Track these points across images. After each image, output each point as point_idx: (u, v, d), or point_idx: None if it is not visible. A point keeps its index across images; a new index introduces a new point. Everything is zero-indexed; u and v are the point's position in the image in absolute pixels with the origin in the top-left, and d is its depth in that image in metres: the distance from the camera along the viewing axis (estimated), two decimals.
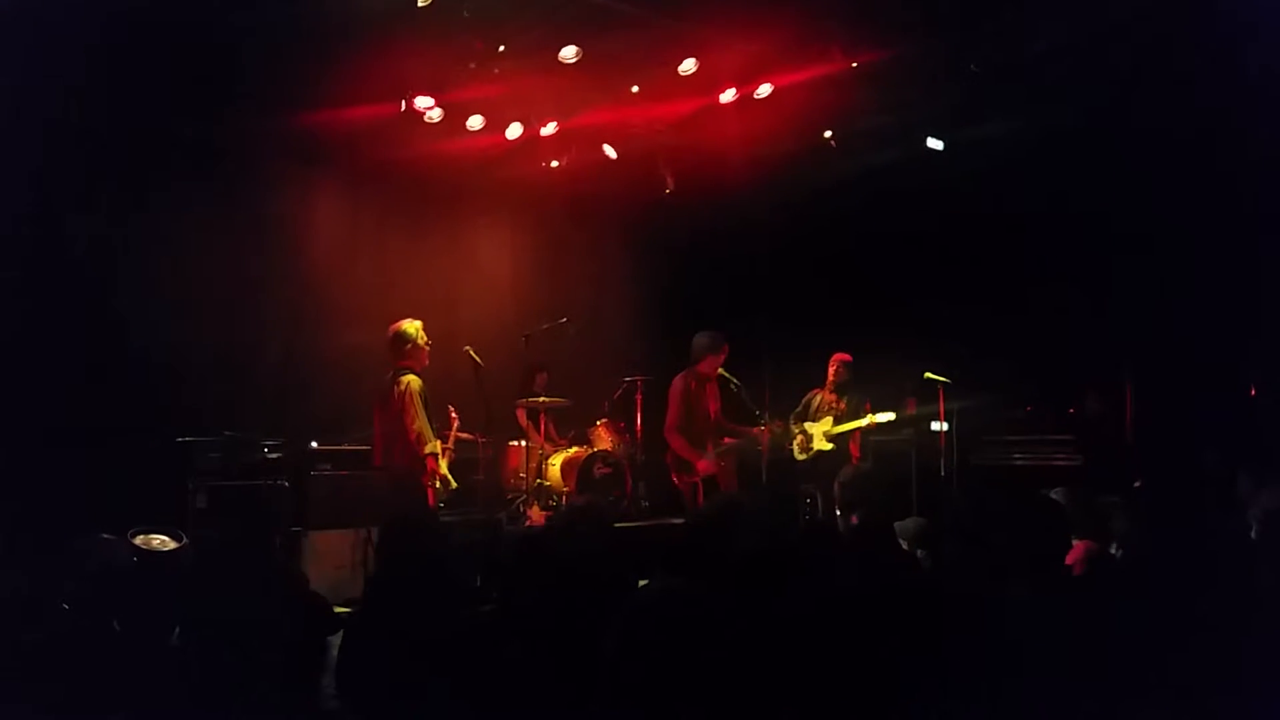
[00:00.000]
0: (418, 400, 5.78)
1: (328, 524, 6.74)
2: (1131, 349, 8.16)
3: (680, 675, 1.89)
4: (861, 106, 7.55)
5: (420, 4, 5.97)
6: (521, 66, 6.82)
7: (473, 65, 6.73)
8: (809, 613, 2.40)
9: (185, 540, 5.60)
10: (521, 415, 8.05)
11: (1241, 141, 6.68)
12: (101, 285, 6.57)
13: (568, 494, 7.74)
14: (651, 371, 8.14)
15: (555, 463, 7.96)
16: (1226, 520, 4.25)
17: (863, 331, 7.94)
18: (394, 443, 5.84)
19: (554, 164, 8.46)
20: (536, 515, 7.37)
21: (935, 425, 7.86)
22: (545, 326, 7.76)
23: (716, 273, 9.30)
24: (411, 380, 5.83)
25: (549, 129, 7.94)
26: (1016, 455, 8.44)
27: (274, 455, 6.63)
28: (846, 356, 7.73)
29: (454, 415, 6.57)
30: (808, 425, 7.69)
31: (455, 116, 7.44)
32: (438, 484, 5.86)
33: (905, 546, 4.24)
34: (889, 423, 7.53)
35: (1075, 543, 3.61)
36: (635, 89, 7.39)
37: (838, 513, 6.97)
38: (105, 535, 5.18)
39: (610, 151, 8.29)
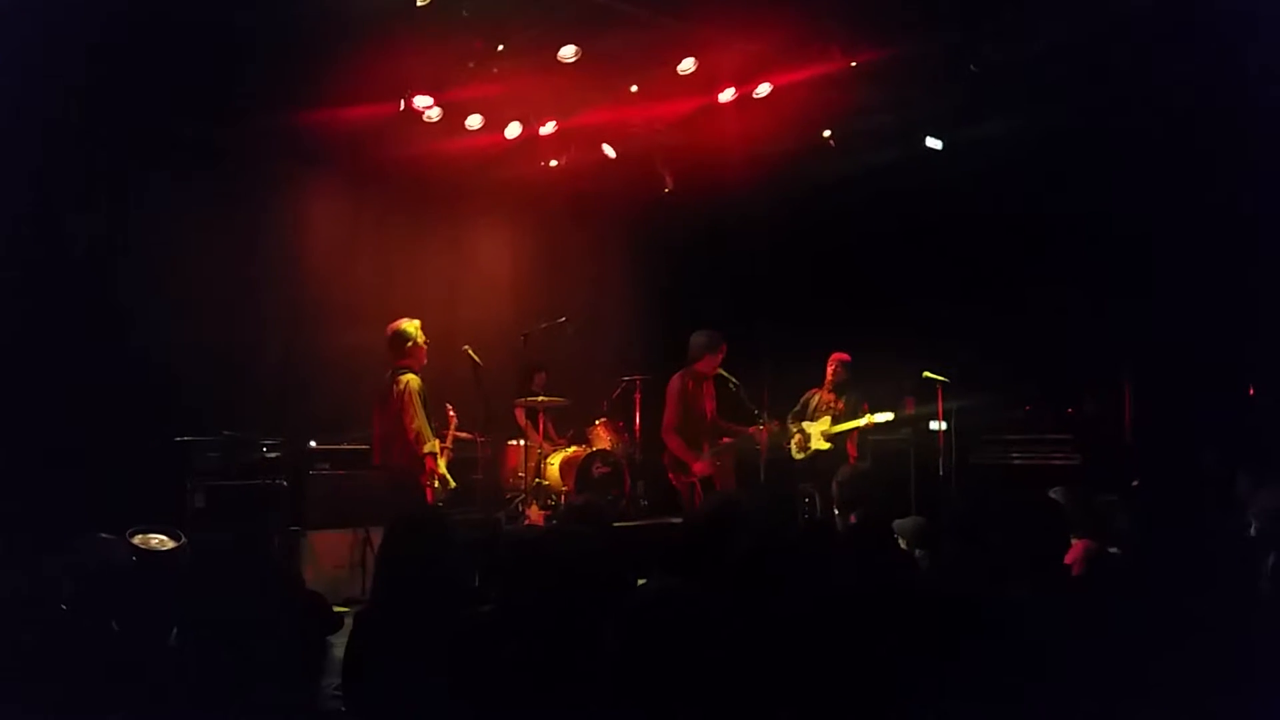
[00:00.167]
0: (417, 399, 5.79)
1: (326, 524, 6.74)
2: (1130, 348, 8.16)
3: (679, 674, 1.89)
4: (860, 106, 7.54)
5: (419, 3, 5.97)
6: (520, 66, 6.81)
7: (472, 65, 6.73)
8: (807, 612, 2.40)
9: (184, 540, 5.60)
10: (520, 414, 8.06)
11: (1240, 141, 6.68)
12: (100, 285, 6.57)
13: (566, 493, 7.74)
14: (650, 371, 8.14)
15: (554, 462, 7.96)
16: (1225, 519, 4.25)
17: (861, 331, 7.94)
18: (393, 442, 5.84)
19: (553, 163, 8.45)
20: (535, 515, 7.37)
21: (934, 424, 7.86)
22: (544, 326, 7.76)
23: (715, 272, 9.30)
24: (411, 379, 5.84)
25: (548, 128, 7.94)
26: (1015, 455, 8.44)
27: (273, 455, 6.63)
28: (845, 356, 7.74)
29: (452, 414, 6.58)
30: (806, 425, 7.69)
31: (454, 116, 7.44)
32: (436, 483, 5.86)
33: (904, 546, 4.25)
34: (887, 422, 7.54)
35: (1074, 542, 3.62)
36: (634, 88, 7.39)
37: (836, 512, 6.98)
38: (104, 535, 5.18)
39: (609, 151, 8.29)
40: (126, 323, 6.55)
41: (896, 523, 4.52)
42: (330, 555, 6.72)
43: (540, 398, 7.90)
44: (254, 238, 7.49)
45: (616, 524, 6.32)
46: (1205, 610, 2.66)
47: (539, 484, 7.75)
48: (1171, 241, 7.54)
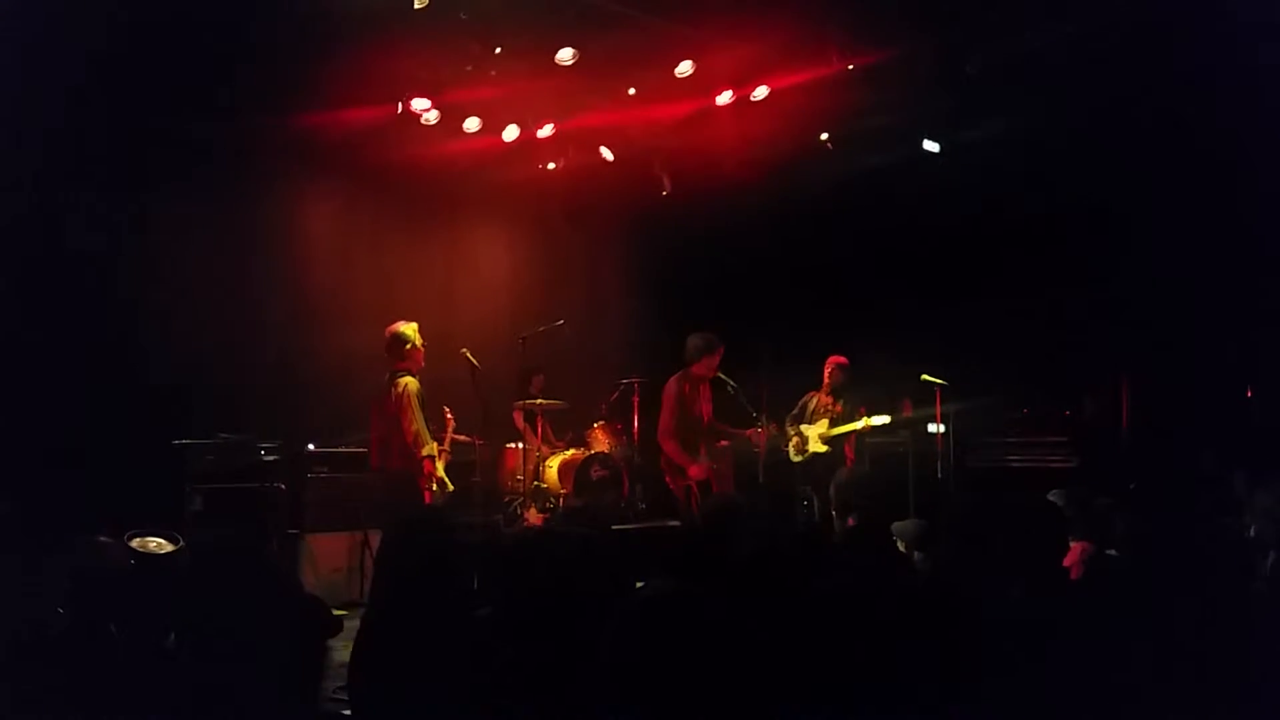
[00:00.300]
0: (415, 402, 5.78)
1: (324, 527, 6.75)
2: (1127, 351, 8.17)
3: (677, 677, 1.88)
4: (857, 108, 7.55)
5: (417, 6, 5.97)
6: (518, 68, 6.82)
7: (469, 67, 6.73)
8: (805, 614, 2.40)
9: (182, 543, 5.58)
10: (518, 417, 8.05)
11: (1237, 142, 6.69)
12: (97, 287, 6.55)
13: (565, 496, 7.74)
14: (648, 373, 8.13)
15: (552, 465, 7.96)
16: (1223, 521, 4.26)
17: (860, 333, 7.95)
18: (391, 445, 5.84)
19: (551, 166, 8.46)
20: (534, 517, 7.37)
21: (932, 427, 7.86)
22: (542, 328, 7.75)
23: (713, 274, 9.30)
24: (409, 382, 5.83)
25: (546, 131, 7.94)
26: (1013, 457, 8.45)
27: (270, 458, 6.62)
28: (842, 359, 7.74)
29: (450, 417, 6.56)
30: (804, 428, 7.70)
31: (452, 118, 7.44)
32: (434, 486, 5.85)
33: (903, 548, 4.25)
34: (884, 425, 7.54)
35: (1072, 544, 3.62)
36: (632, 91, 7.40)
37: (834, 515, 6.97)
38: (102, 538, 5.17)
39: (607, 153, 8.30)
40: (122, 325, 6.54)
41: (895, 525, 4.52)
42: (328, 558, 6.71)
43: (538, 400, 7.90)
44: (251, 240, 7.49)
45: (615, 526, 6.33)
46: (1204, 612, 2.66)
47: (537, 487, 7.75)
48: (1169, 243, 7.55)
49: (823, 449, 7.55)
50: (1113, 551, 3.88)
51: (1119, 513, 4.32)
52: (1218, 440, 6.97)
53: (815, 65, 6.99)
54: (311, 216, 8.02)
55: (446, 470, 6.04)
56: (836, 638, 2.29)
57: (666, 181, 8.53)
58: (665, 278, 9.68)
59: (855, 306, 8.80)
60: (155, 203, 6.90)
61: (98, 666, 3.22)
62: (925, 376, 7.69)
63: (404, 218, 8.45)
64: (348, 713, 2.99)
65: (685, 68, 7.08)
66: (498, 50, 6.59)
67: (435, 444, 5.90)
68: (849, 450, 7.57)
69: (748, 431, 7.02)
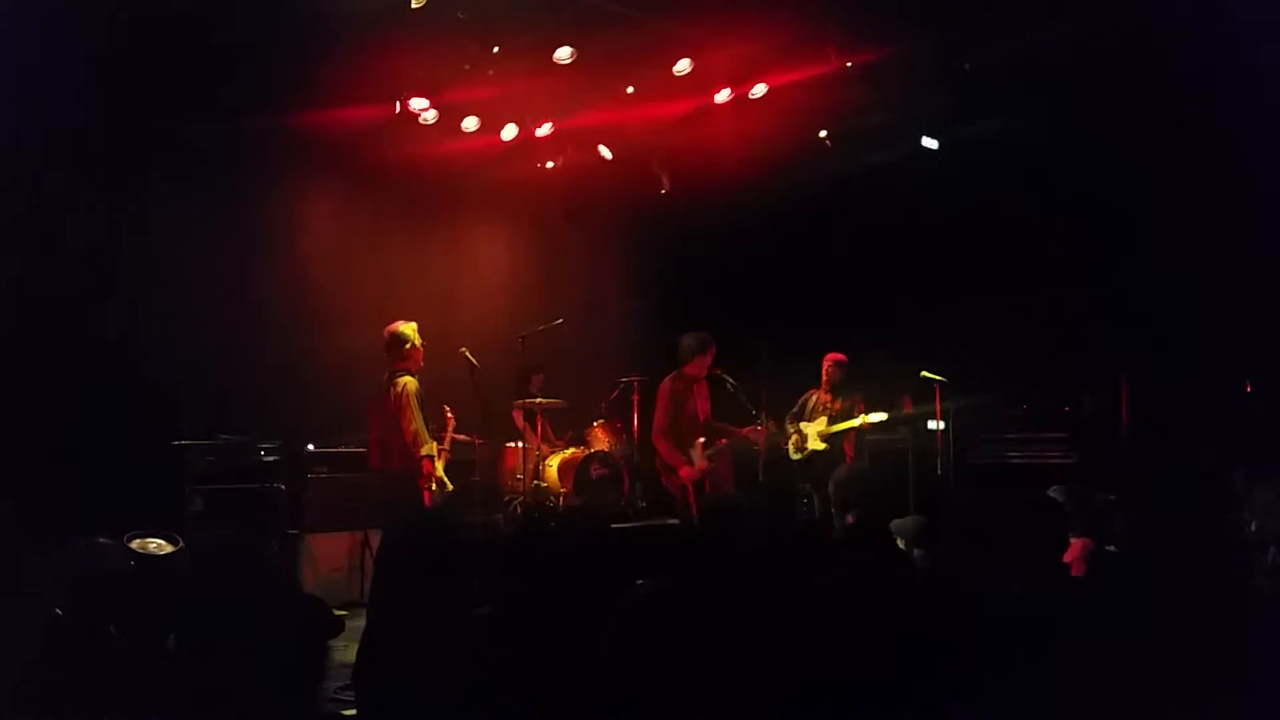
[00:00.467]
0: (414, 402, 5.78)
1: (324, 527, 6.74)
2: (1127, 346, 8.17)
3: (676, 675, 1.88)
4: (856, 106, 7.55)
5: (414, 5, 5.97)
6: (516, 67, 6.82)
7: (467, 67, 6.73)
8: (804, 612, 2.40)
9: (181, 544, 5.58)
10: (518, 416, 8.05)
11: (1235, 139, 6.69)
12: (97, 287, 6.54)
13: (565, 495, 7.73)
14: (648, 372, 8.13)
15: (552, 464, 7.96)
16: (1223, 516, 4.26)
17: (860, 330, 7.95)
18: (390, 445, 5.83)
19: (549, 165, 8.46)
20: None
21: (932, 424, 7.86)
22: (541, 328, 7.75)
23: (713, 272, 9.30)
24: (408, 382, 5.83)
25: (544, 130, 7.94)
26: (1013, 453, 8.45)
27: (270, 458, 6.61)
28: (840, 356, 7.74)
29: (450, 416, 6.56)
30: (803, 425, 7.70)
31: (450, 118, 7.44)
32: (434, 486, 5.85)
33: (903, 545, 4.26)
34: (883, 422, 7.53)
35: (1072, 541, 3.62)
36: (630, 89, 7.39)
37: (833, 512, 6.97)
38: (102, 539, 5.16)
39: (605, 152, 8.29)
40: (122, 326, 6.53)
41: (895, 522, 4.53)
42: (328, 559, 6.71)
43: (538, 399, 7.89)
44: (250, 240, 7.48)
45: (615, 525, 6.32)
46: (1203, 608, 2.67)
47: (537, 486, 7.75)
48: (1167, 239, 7.55)
49: (822, 446, 7.55)
50: (1112, 548, 3.88)
51: (1119, 509, 4.33)
52: (1217, 437, 6.97)
53: (813, 63, 6.99)
54: (310, 216, 8.01)
55: (446, 469, 6.04)
56: (836, 635, 2.29)
57: (665, 180, 8.53)
58: (664, 276, 9.68)
59: (855, 304, 8.80)
60: (154, 203, 6.89)
61: (97, 668, 3.21)
62: (925, 373, 7.69)
63: (403, 217, 8.45)
64: (349, 713, 2.99)
65: (683, 66, 7.07)
66: (496, 49, 6.59)
67: (435, 444, 5.90)
68: (848, 447, 7.57)
69: (745, 430, 7.02)
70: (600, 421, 8.29)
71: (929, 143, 8.13)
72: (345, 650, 3.29)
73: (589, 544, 2.92)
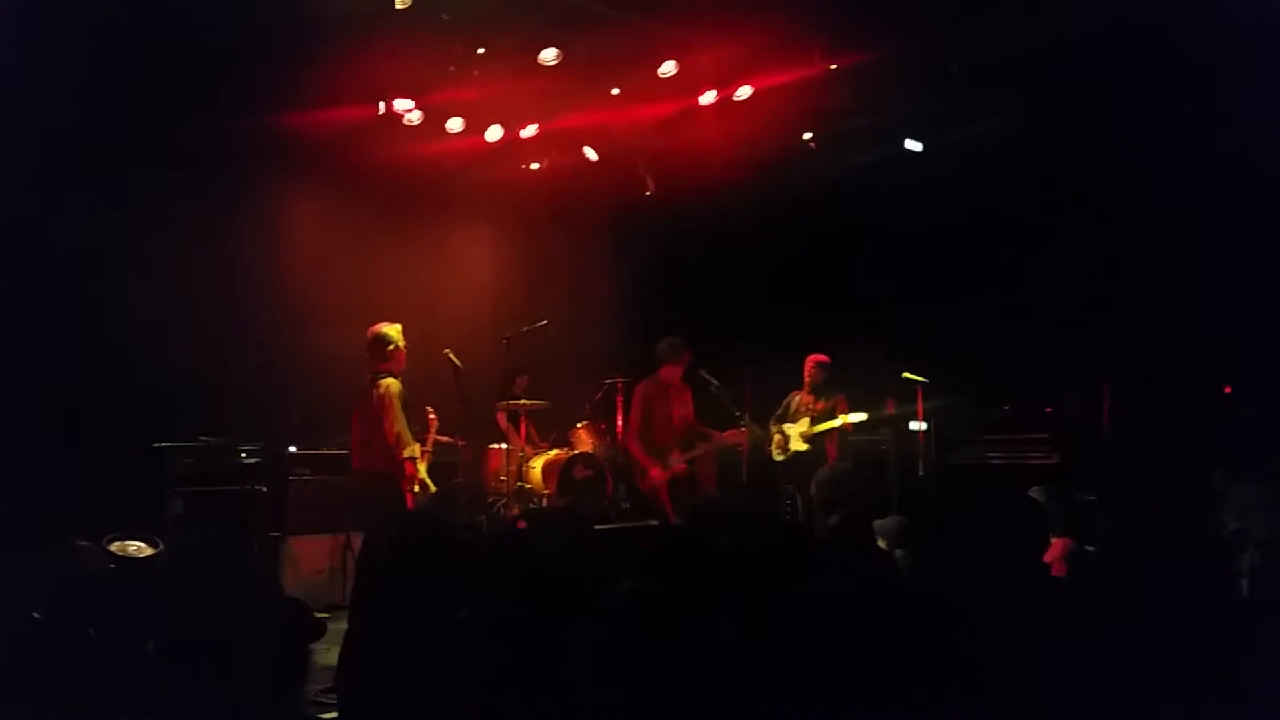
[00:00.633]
0: (397, 403, 5.76)
1: (306, 529, 6.71)
2: (1109, 347, 8.22)
3: (660, 676, 1.89)
4: (840, 108, 7.58)
5: (399, 6, 5.96)
6: (501, 69, 6.81)
7: (452, 68, 6.72)
8: (787, 612, 2.41)
9: (162, 546, 5.54)
10: (502, 418, 8.03)
11: (1224, 140, 6.74)
12: (75, 290, 6.48)
13: (549, 496, 7.72)
14: (632, 373, 8.11)
15: (536, 465, 7.94)
16: (1203, 517, 4.30)
17: (843, 331, 7.97)
18: (372, 447, 5.81)
19: (534, 166, 8.45)
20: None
21: (913, 425, 7.89)
22: (525, 329, 7.74)
23: (697, 274, 9.32)
24: (390, 383, 5.81)
25: (529, 131, 7.94)
26: (994, 454, 8.48)
27: (251, 460, 6.57)
28: (822, 357, 7.75)
29: (433, 418, 6.54)
30: (785, 426, 7.72)
31: (435, 119, 7.43)
32: (416, 488, 5.83)
33: (884, 545, 4.27)
34: (865, 422, 7.56)
35: (1053, 541, 3.64)
36: (615, 91, 7.40)
37: (816, 513, 6.99)
38: (81, 542, 5.13)
39: (591, 154, 8.29)
40: (102, 327, 6.48)
41: (876, 523, 4.53)
42: (310, 561, 6.68)
43: (522, 401, 7.88)
44: (233, 241, 7.43)
45: (598, 526, 6.31)
46: (1184, 607, 2.69)
47: (521, 487, 7.73)
48: (1150, 240, 7.61)
49: (804, 447, 7.56)
50: (1093, 548, 3.91)
51: (1100, 509, 4.36)
52: (1197, 437, 7.03)
53: (798, 65, 7.02)
54: (293, 217, 7.97)
55: (429, 471, 6.02)
56: (818, 635, 2.30)
57: (650, 181, 8.54)
58: (649, 278, 9.68)
59: (838, 305, 8.82)
60: (135, 204, 6.83)
61: (77, 671, 3.19)
62: (907, 374, 7.72)
63: (387, 218, 8.41)
64: (330, 716, 2.98)
65: (669, 68, 7.09)
66: (480, 50, 6.58)
67: (417, 445, 5.88)
68: (831, 448, 7.59)
69: (728, 433, 7.05)
70: (584, 423, 8.29)
71: (912, 145, 8.17)
72: (327, 653, 3.28)
73: (573, 545, 2.92)
